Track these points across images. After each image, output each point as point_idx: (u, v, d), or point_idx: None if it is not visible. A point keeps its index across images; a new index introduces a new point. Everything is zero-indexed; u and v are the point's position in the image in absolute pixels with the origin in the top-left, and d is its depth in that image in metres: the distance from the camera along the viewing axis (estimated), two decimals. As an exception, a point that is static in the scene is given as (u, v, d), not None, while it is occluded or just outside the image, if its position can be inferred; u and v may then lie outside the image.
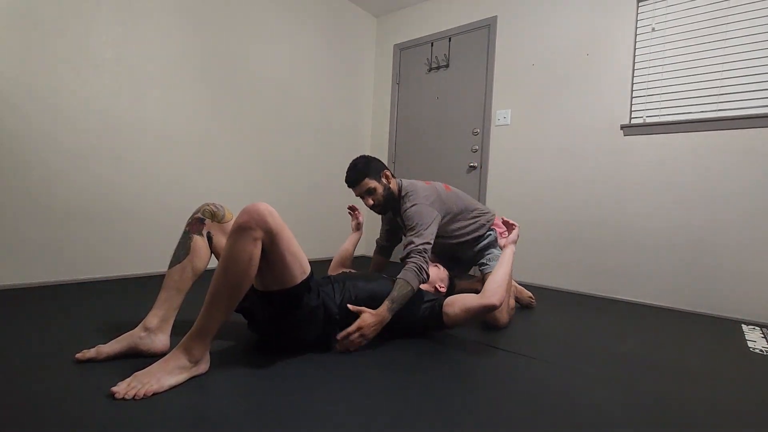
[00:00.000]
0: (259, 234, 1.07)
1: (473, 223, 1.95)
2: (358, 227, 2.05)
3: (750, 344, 1.73)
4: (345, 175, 1.78)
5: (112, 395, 0.94)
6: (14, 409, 0.88)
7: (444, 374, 1.21)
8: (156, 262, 2.47)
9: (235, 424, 0.87)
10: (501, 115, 3.07)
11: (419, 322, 1.49)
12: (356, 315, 1.35)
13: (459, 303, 1.43)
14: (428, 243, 1.59)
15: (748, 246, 2.17)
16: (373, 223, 3.57)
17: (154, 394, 0.96)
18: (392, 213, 1.92)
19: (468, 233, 1.94)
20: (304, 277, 1.19)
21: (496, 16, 3.10)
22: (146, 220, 2.41)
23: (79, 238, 2.15)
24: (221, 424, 0.87)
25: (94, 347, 1.17)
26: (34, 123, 1.98)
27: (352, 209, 2.04)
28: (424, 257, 1.53)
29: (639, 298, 2.49)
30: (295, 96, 3.21)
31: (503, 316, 1.69)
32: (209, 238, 1.29)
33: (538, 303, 2.23)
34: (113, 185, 2.26)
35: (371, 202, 1.76)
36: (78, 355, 1.15)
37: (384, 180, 1.77)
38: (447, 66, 3.39)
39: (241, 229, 1.06)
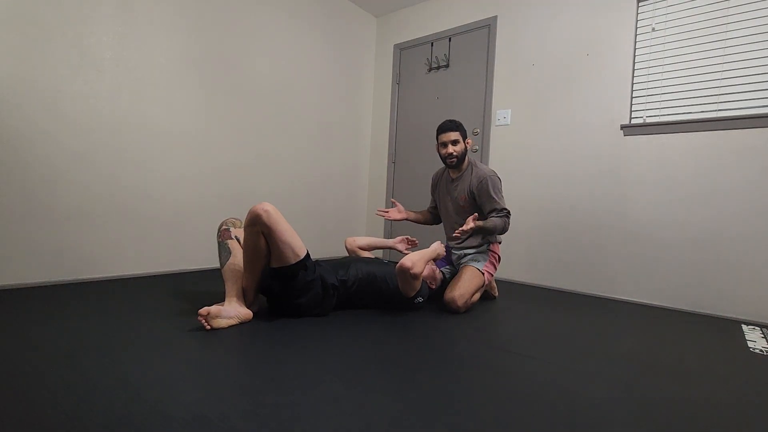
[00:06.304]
0: (257, 228, 1.54)
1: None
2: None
3: (750, 344, 1.73)
4: (441, 125, 2.16)
5: (201, 313, 1.45)
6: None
7: (443, 373, 1.21)
8: (156, 262, 2.47)
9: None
10: (501, 115, 3.07)
11: (393, 284, 1.87)
12: (353, 294, 1.84)
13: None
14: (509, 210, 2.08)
15: (748, 246, 2.17)
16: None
17: (219, 328, 1.49)
18: (454, 171, 2.24)
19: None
20: (298, 259, 1.61)
21: (496, 16, 3.10)
22: (147, 220, 2.41)
23: (80, 238, 2.15)
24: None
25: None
26: (34, 123, 1.98)
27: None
28: (508, 219, 2.05)
29: (639, 298, 2.49)
30: (295, 96, 3.21)
31: (461, 302, 1.94)
32: (237, 240, 1.73)
33: (539, 303, 2.23)
34: (113, 185, 2.26)
35: (451, 151, 2.11)
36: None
37: (465, 144, 2.15)
38: (447, 66, 3.39)
39: (246, 226, 1.57)
